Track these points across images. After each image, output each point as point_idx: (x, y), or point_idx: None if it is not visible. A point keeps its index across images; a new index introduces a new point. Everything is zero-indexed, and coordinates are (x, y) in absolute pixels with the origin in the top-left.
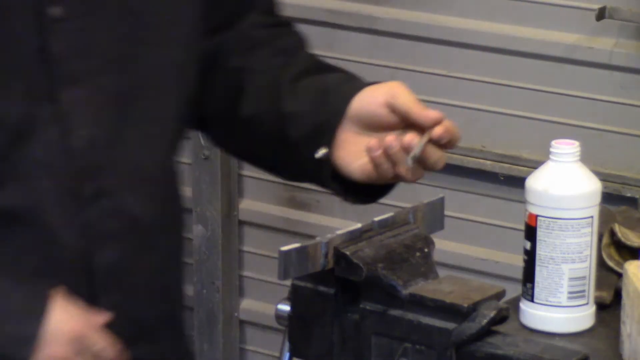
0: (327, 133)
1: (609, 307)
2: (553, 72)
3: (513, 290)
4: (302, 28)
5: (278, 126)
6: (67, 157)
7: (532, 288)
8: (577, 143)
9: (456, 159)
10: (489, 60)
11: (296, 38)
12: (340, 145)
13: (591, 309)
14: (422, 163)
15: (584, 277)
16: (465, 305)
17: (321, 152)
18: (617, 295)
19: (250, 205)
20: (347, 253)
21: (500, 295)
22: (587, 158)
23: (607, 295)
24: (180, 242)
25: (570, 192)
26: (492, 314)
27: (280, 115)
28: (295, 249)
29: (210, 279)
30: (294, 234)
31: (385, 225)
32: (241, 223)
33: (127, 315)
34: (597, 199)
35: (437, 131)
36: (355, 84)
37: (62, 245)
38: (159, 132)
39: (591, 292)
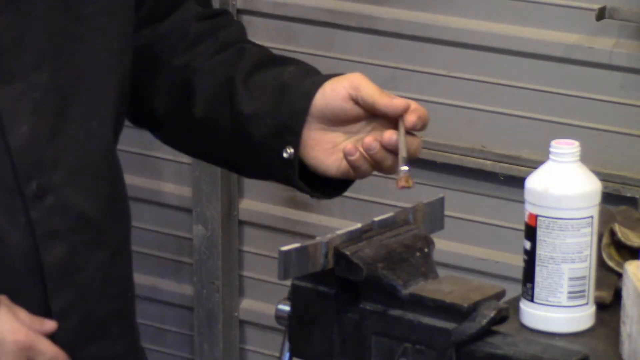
0: (291, 132)
1: (609, 307)
2: (553, 72)
3: (513, 290)
4: (302, 28)
5: (235, 126)
6: (8, 154)
7: (532, 288)
8: (577, 143)
9: (456, 159)
10: (489, 60)
11: (235, 28)
12: (309, 144)
13: (591, 309)
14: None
15: (584, 277)
16: (465, 305)
17: (288, 152)
18: (617, 295)
19: (250, 205)
20: (347, 253)
21: (500, 295)
22: (587, 158)
23: (607, 295)
24: (127, 234)
25: (570, 192)
26: (492, 314)
27: (237, 115)
28: (295, 249)
29: (210, 279)
30: (294, 234)
31: (385, 225)
32: (241, 223)
33: (80, 313)
34: (597, 199)
35: (410, 120)
36: (314, 79)
37: (8, 245)
38: (99, 124)
39: (591, 292)
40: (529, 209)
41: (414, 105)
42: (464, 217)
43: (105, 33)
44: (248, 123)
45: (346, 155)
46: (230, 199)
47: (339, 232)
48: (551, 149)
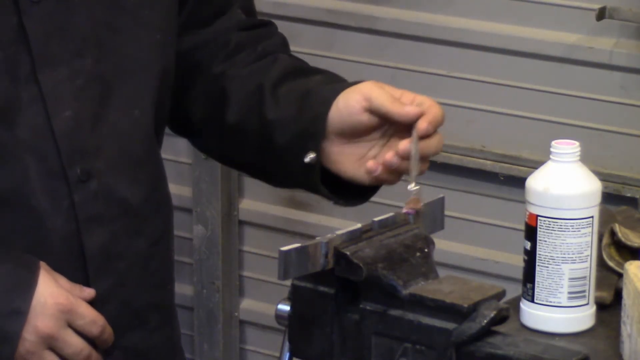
0: (313, 137)
1: (609, 307)
2: (553, 72)
3: (513, 290)
4: (302, 28)
5: (262, 133)
6: (53, 139)
7: (532, 288)
8: (577, 143)
9: (456, 159)
10: (489, 60)
11: (277, 40)
12: (337, 160)
13: (591, 309)
14: (423, 159)
15: (584, 277)
16: (465, 305)
17: (309, 157)
18: (617, 295)
19: (250, 205)
20: (347, 253)
21: (500, 295)
22: (587, 158)
23: (607, 295)
24: (168, 228)
25: (570, 192)
26: (492, 314)
27: (264, 122)
28: (295, 249)
29: (210, 279)
30: (294, 234)
31: (385, 225)
32: (241, 223)
33: (119, 301)
34: (597, 199)
35: (422, 127)
36: (334, 86)
37: (50, 229)
38: (142, 113)
39: (591, 292)
40: (529, 209)
41: (427, 104)
42: (464, 217)
43: (147, 25)
44: (273, 129)
45: (370, 173)
46: (230, 199)
47: (339, 232)
48: (551, 149)
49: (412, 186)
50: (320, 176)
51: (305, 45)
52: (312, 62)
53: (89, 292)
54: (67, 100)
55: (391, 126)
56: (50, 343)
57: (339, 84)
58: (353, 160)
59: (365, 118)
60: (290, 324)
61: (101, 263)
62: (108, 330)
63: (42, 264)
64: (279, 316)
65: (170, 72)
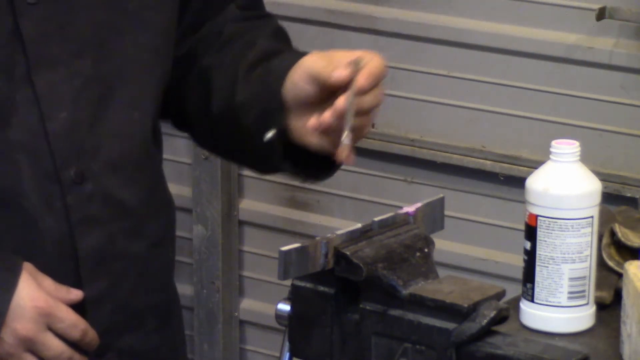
0: (271, 115)
1: (609, 307)
2: (553, 72)
3: (513, 290)
4: (302, 28)
5: (233, 117)
6: (47, 140)
7: (532, 288)
8: (577, 143)
9: (456, 159)
10: (489, 60)
11: (266, 30)
12: (301, 133)
13: (591, 309)
14: (363, 114)
15: (584, 277)
16: (465, 305)
17: (269, 134)
18: (617, 295)
19: (250, 205)
20: (347, 253)
21: (500, 295)
22: (587, 158)
23: (607, 295)
24: (168, 230)
25: (570, 192)
26: (492, 314)
27: (234, 106)
28: (295, 249)
29: (210, 279)
30: (294, 234)
31: (385, 225)
32: (241, 223)
33: (114, 302)
34: (597, 199)
35: (358, 83)
36: (290, 62)
37: (42, 230)
38: (141, 115)
39: (591, 292)
40: (529, 209)
41: (367, 59)
42: (464, 217)
43: (148, 28)
44: (240, 112)
45: (312, 130)
46: (230, 199)
47: (339, 232)
48: (551, 149)
49: (344, 136)
50: (286, 153)
51: (305, 45)
52: None
53: (76, 294)
54: (64, 102)
55: (340, 90)
56: (29, 346)
57: (294, 59)
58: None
59: (310, 88)
60: (290, 324)
61: (95, 265)
62: (91, 334)
63: (27, 266)
64: (279, 316)
65: (169, 74)
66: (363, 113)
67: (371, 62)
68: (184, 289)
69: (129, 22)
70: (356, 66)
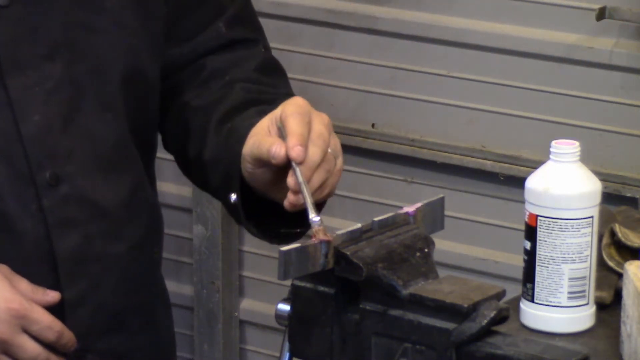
0: (232, 178)
1: (609, 307)
2: (553, 72)
3: (513, 290)
4: (302, 28)
5: (204, 172)
6: (21, 143)
7: (532, 288)
8: (577, 143)
9: (456, 159)
10: (489, 60)
11: (250, 65)
12: (270, 190)
13: (591, 309)
14: (320, 188)
15: (584, 277)
16: (465, 305)
17: (232, 198)
18: (617, 295)
19: None
20: (347, 253)
21: (500, 295)
22: (587, 158)
23: (607, 295)
24: (152, 231)
25: (570, 192)
26: (492, 314)
27: (204, 162)
28: (295, 249)
29: (210, 279)
30: None
31: (385, 225)
32: None
33: (93, 304)
34: (597, 199)
35: (290, 155)
36: (251, 122)
37: (20, 232)
38: (114, 117)
39: (591, 292)
40: (529, 209)
41: (291, 134)
42: (464, 217)
43: (125, 27)
44: (208, 169)
45: (289, 209)
46: None
47: (339, 232)
48: (551, 149)
49: (312, 216)
50: (244, 213)
51: (305, 45)
52: (312, 62)
53: (53, 296)
54: (36, 105)
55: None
56: (4, 348)
57: (254, 119)
58: (274, 185)
59: (259, 169)
60: (290, 324)
61: (73, 266)
62: (67, 335)
63: (2, 268)
64: (279, 316)
65: (146, 76)
66: (318, 187)
67: (294, 139)
68: (184, 289)
69: (104, 20)
70: (281, 133)
